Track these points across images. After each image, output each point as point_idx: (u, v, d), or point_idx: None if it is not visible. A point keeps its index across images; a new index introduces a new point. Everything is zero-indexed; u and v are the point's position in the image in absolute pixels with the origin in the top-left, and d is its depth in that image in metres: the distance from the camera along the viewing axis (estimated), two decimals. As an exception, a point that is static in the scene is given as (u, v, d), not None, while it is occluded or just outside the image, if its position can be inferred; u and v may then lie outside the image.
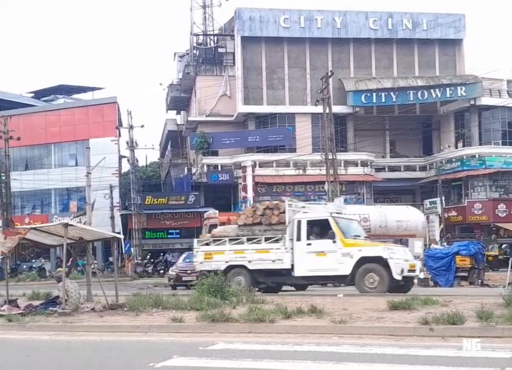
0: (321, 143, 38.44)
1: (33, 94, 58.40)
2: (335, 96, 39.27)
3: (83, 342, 9.06)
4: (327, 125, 32.04)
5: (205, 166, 41.39)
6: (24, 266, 37.09)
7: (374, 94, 41.67)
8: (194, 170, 43.10)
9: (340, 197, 31.11)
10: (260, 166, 40.33)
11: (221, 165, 41.47)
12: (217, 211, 28.60)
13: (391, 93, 41.71)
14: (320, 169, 37.86)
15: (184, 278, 21.23)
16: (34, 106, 50.90)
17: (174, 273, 21.67)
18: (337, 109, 38.57)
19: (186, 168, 44.85)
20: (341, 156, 37.44)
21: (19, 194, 45.13)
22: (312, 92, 40.41)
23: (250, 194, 38.98)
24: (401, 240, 27.19)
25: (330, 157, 31.82)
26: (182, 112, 56.18)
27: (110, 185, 41.48)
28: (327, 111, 32.19)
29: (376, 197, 42.66)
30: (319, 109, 33.54)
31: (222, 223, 24.50)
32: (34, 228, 12.79)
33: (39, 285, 23.69)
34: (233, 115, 43.04)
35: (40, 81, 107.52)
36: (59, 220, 38.52)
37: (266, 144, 41.70)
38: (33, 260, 37.73)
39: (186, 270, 21.22)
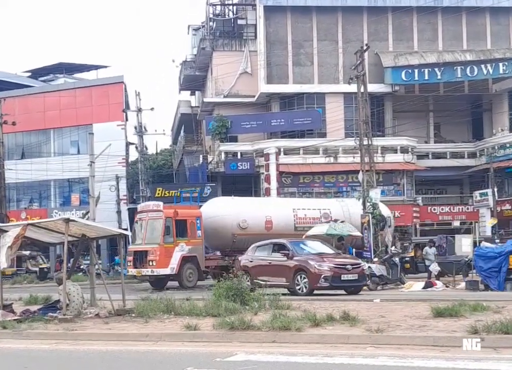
0: (354, 127, 38.17)
1: (29, 74, 58.99)
2: (371, 73, 38.89)
3: (86, 352, 9.15)
4: (362, 106, 31.80)
5: (222, 154, 41.41)
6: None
7: (416, 71, 41.22)
8: (210, 159, 43.16)
9: (376, 188, 30.88)
10: (285, 154, 40.22)
11: (241, 153, 41.46)
12: (160, 203, 26.57)
13: (436, 69, 41.22)
14: (354, 157, 37.59)
15: (344, 277, 17.48)
16: (31, 86, 51.39)
17: (327, 269, 17.22)
18: (373, 87, 38.21)
19: (201, 156, 44.93)
20: (378, 141, 37.16)
21: (15, 186, 45.72)
22: (345, 68, 40.13)
23: (274, 185, 38.93)
24: (447, 237, 26.93)
25: (365, 143, 31.60)
26: (197, 92, 56.25)
27: (116, 175, 41.81)
28: (362, 90, 31.94)
29: (418, 188, 42.34)
30: (353, 88, 33.26)
31: (168, 218, 23.92)
32: (32, 225, 12.92)
33: (38, 288, 24.02)
34: (254, 96, 42.94)
35: (38, 60, 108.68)
36: (59, 215, 38.97)
37: (291, 128, 41.55)
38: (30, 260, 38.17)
39: (345, 265, 17.70)
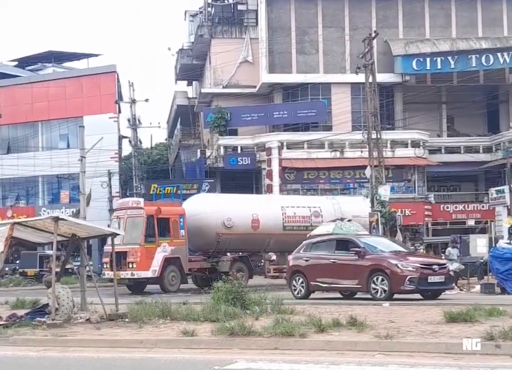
0: (362, 119, 38.09)
1: (16, 63, 58.87)
2: (380, 62, 38.82)
3: (76, 359, 9.16)
4: (370, 97, 31.75)
5: (221, 148, 41.40)
6: (7, 269, 37.57)
7: (428, 59, 41.15)
8: (208, 153, 43.14)
9: (386, 185, 30.89)
10: (288, 148, 40.19)
11: (241, 147, 41.45)
12: (141, 199, 26.54)
13: (449, 58, 41.15)
14: (361, 151, 37.49)
15: (431, 279, 16.08)
16: (17, 76, 51.33)
17: (413, 269, 15.81)
18: (383, 77, 38.19)
19: (199, 150, 44.91)
20: (387, 135, 37.07)
21: (0, 182, 45.75)
22: (352, 57, 40.04)
23: (276, 181, 38.94)
24: (461, 237, 26.92)
25: (373, 136, 31.56)
26: (194, 83, 56.19)
27: (109, 171, 41.82)
28: (370, 80, 31.90)
29: (430, 185, 42.32)
30: (360, 77, 33.19)
31: (149, 216, 23.39)
32: (18, 223, 12.91)
33: (25, 291, 24.02)
34: (255, 86, 42.92)
35: (25, 48, 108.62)
36: (48, 213, 39.00)
37: (295, 120, 41.53)
38: (17, 262, 38.19)
39: (431, 265, 16.30)
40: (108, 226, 24.01)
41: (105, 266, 24.35)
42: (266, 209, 26.52)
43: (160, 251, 23.47)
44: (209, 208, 25.19)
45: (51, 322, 11.74)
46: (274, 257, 30.48)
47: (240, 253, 26.45)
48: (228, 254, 26.13)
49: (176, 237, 24.10)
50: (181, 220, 24.40)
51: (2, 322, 11.92)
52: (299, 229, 26.37)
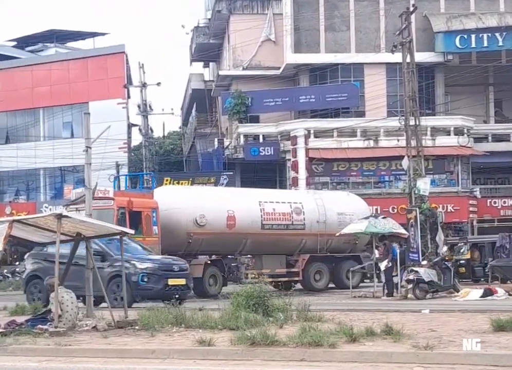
0: (399, 104, 37.94)
1: (15, 43, 59.34)
2: (419, 40, 38.57)
3: (81, 371, 9.23)
4: (408, 79, 31.56)
5: (241, 137, 41.41)
6: (5, 271, 37.98)
7: (473, 36, 40.82)
8: (226, 143, 43.20)
9: (425, 177, 30.66)
10: (316, 136, 40.11)
11: (263, 136, 41.42)
12: (110, 188, 25.36)
13: (497, 35, 40.78)
14: (398, 140, 37.35)
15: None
16: (16, 58, 51.76)
17: None
18: (422, 57, 37.94)
19: (216, 139, 44.97)
20: (427, 121, 36.87)
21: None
22: (388, 34, 39.84)
23: (302, 174, 38.88)
24: (510, 235, 26.66)
25: (411, 123, 31.40)
26: (211, 64, 56.25)
27: (117, 163, 42.05)
28: (408, 60, 31.71)
29: (475, 177, 42.02)
30: (397, 57, 33.02)
31: (121, 208, 22.20)
32: (18, 221, 13.01)
33: (25, 295, 24.16)
34: (279, 68, 42.84)
35: (24, 26, 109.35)
36: (50, 209, 39.28)
37: (323, 105, 41.43)
38: (17, 263, 38.52)
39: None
40: None
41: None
42: (242, 204, 25.56)
43: None
44: (180, 202, 24.02)
45: (54, 330, 11.83)
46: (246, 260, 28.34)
47: (213, 256, 25.25)
48: (198, 256, 24.83)
49: (149, 234, 22.82)
50: (154, 214, 23.27)
51: (0, 330, 12.04)
52: (279, 228, 25.83)
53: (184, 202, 24.08)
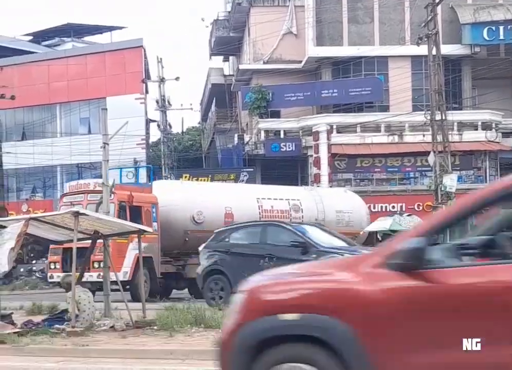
0: (424, 98, 37.75)
1: (31, 37, 59.78)
2: (445, 32, 38.35)
3: (99, 371, 9.28)
4: (434, 73, 31.42)
5: (262, 133, 41.39)
6: (22, 270, 38.28)
7: (501, 28, 40.49)
8: (247, 138, 43.20)
9: (452, 173, 30.62)
10: (338, 132, 40.01)
11: (284, 131, 41.38)
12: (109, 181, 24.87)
13: (527, 26, 40.48)
14: (423, 135, 37.18)
15: None
16: (32, 52, 52.09)
17: None
18: (448, 49, 37.70)
19: (236, 135, 45.01)
20: (454, 116, 36.68)
21: (14, 173, 46.52)
22: (413, 26, 39.63)
23: (325, 170, 38.78)
24: None
25: (437, 117, 31.24)
26: (231, 58, 56.27)
27: (135, 159, 42.18)
28: (434, 52, 31.55)
29: (503, 173, 41.60)
30: (423, 50, 32.88)
31: (121, 202, 21.27)
32: (35, 219, 13.10)
33: (42, 294, 24.36)
34: (301, 61, 42.75)
35: (41, 20, 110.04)
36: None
37: (346, 100, 41.30)
38: (33, 262, 38.85)
39: None
40: None
41: (52, 267, 21.73)
42: (240, 201, 24.89)
43: (132, 248, 20.90)
44: (176, 199, 23.31)
45: (71, 330, 11.89)
46: None
47: None
48: (193, 256, 23.78)
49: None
50: (154, 210, 22.58)
51: (16, 330, 12.10)
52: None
53: (181, 198, 23.41)
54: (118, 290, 16.84)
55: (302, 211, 25.80)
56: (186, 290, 24.68)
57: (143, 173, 42.99)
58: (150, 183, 26.14)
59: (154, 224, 21.98)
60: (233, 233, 18.32)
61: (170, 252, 23.42)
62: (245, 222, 19.68)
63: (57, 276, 20.99)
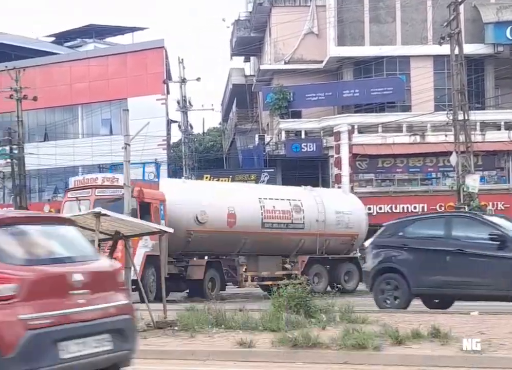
0: (447, 98, 37.59)
1: (53, 38, 60.28)
2: (468, 31, 38.20)
3: (120, 372, 9.31)
4: (457, 72, 31.27)
5: (283, 133, 41.40)
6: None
7: (525, 27, 40.30)
8: (267, 139, 43.24)
9: (474, 174, 30.43)
10: (360, 132, 39.96)
11: (305, 131, 41.39)
12: (119, 175, 22.09)
13: (551, 25, 40.20)
14: (446, 135, 37.07)
15: None
16: (55, 54, 52.47)
17: None
18: (471, 48, 37.50)
19: (257, 136, 45.06)
20: (477, 116, 36.47)
21: (36, 173, 46.85)
22: (435, 25, 39.47)
23: (346, 171, 38.73)
24: None
25: (460, 117, 31.10)
26: (252, 58, 56.32)
27: (156, 160, 42.35)
28: (457, 52, 31.40)
29: (527, 174, 41.45)
30: (445, 49, 32.74)
31: (132, 199, 19.29)
32: (56, 219, 13.18)
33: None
34: (322, 61, 42.73)
35: (63, 22, 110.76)
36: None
37: (368, 100, 41.23)
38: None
39: None
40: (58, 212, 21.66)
41: None
42: (242, 201, 24.36)
43: (142, 246, 20.65)
44: (179, 197, 22.62)
45: (92, 330, 11.96)
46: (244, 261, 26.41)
47: (207, 257, 24.21)
48: (195, 257, 23.84)
49: None
50: (162, 207, 21.96)
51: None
52: (279, 227, 24.87)
53: (184, 197, 22.79)
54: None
55: (303, 212, 25.46)
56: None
57: (163, 173, 43.36)
58: (157, 180, 25.66)
59: (163, 222, 21.23)
60: (408, 226, 15.97)
61: (173, 252, 22.23)
62: (425, 213, 18.85)
63: None
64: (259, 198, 24.74)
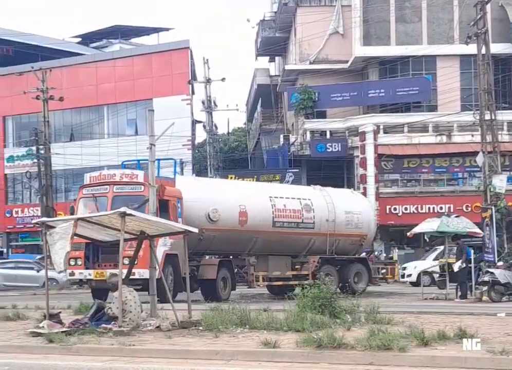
0: (473, 98, 37.37)
1: (79, 39, 60.65)
2: (495, 30, 37.95)
3: (144, 371, 9.35)
4: (483, 72, 31.05)
5: (308, 133, 41.36)
6: (70, 270, 38.81)
7: (553, 26, 39.93)
8: (292, 139, 43.20)
9: (501, 174, 30.19)
10: (385, 132, 39.83)
11: (330, 131, 41.31)
12: (140, 171, 22.00)
13: None
14: (472, 135, 36.87)
15: None
16: (81, 54, 52.80)
17: None
18: (498, 48, 37.25)
19: (282, 136, 45.03)
20: (503, 115, 36.25)
21: (63, 173, 47.17)
22: (462, 25, 39.25)
23: (371, 171, 38.61)
24: None
25: (487, 117, 30.87)
26: (277, 58, 56.30)
27: (181, 160, 42.44)
28: (483, 51, 31.18)
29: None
30: (471, 48, 32.53)
31: (157, 196, 18.57)
32: (82, 219, 13.24)
33: (89, 294, 24.64)
34: (347, 61, 42.63)
35: (89, 22, 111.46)
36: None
37: (394, 100, 41.08)
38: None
39: None
40: (72, 210, 21.25)
41: (72, 263, 19.45)
42: (254, 199, 23.55)
43: (161, 244, 19.90)
44: (191, 195, 21.84)
45: (118, 329, 11.98)
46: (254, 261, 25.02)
47: (217, 256, 23.55)
48: (206, 256, 23.28)
49: None
50: (179, 205, 21.21)
51: (64, 329, 12.23)
52: (290, 226, 24.08)
53: (196, 194, 22.02)
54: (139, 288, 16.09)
55: (313, 212, 24.69)
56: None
57: (188, 173, 43.43)
58: (173, 177, 24.20)
59: (180, 220, 20.69)
60: None
61: None
62: None
63: (80, 273, 20.16)
64: (270, 197, 24.07)
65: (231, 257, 23.59)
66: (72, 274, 20.36)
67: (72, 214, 21.15)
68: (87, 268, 20.04)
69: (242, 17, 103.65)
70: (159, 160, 27.51)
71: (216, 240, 22.26)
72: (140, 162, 27.20)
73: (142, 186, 19.94)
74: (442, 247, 27.15)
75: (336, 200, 25.72)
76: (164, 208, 20.13)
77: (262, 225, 23.30)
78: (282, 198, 24.36)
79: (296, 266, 24.63)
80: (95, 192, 20.88)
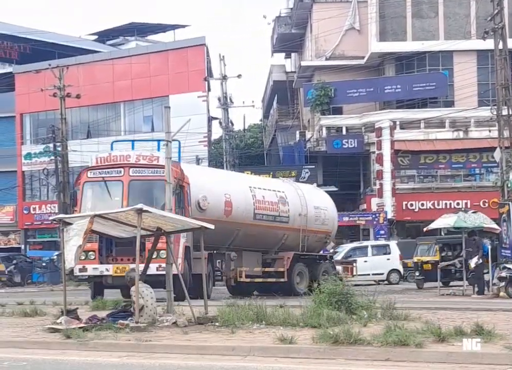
0: (491, 93, 37.13)
1: (96, 37, 60.76)
2: (512, 25, 37.69)
3: (161, 367, 9.37)
4: (501, 67, 30.83)
5: (324, 129, 41.30)
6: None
7: None
8: (308, 135, 43.16)
9: (519, 170, 29.91)
10: (402, 128, 39.71)
11: (346, 128, 41.23)
12: (159, 154, 19.53)
13: None
14: (489, 131, 36.64)
15: None
16: (97, 52, 52.94)
17: None
18: (515, 43, 37.05)
19: (298, 132, 45.02)
20: (521, 111, 36.03)
21: (80, 170, 47.25)
22: (479, 20, 39.04)
23: (388, 167, 38.50)
24: None
25: (504, 113, 30.67)
26: (293, 55, 56.25)
27: (197, 156, 42.53)
28: (501, 46, 30.96)
29: None
30: (489, 44, 32.31)
31: (175, 180, 17.49)
32: (99, 216, 13.27)
33: (106, 290, 24.73)
34: (363, 57, 42.53)
35: (105, 20, 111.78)
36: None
37: (410, 96, 40.94)
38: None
39: None
40: (73, 195, 19.89)
41: (83, 257, 17.05)
42: (236, 189, 22.16)
43: (182, 236, 18.27)
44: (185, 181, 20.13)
45: (135, 325, 12.03)
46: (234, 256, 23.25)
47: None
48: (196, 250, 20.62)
49: (186, 215, 18.12)
50: (188, 191, 19.67)
51: (81, 325, 12.30)
52: (268, 219, 22.73)
53: (189, 180, 20.20)
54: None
55: (288, 205, 23.49)
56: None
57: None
58: (178, 161, 21.44)
59: (190, 208, 19.43)
60: None
61: None
62: None
63: (94, 268, 18.30)
64: (249, 187, 22.78)
65: (214, 251, 21.46)
66: (83, 269, 18.17)
67: (74, 200, 19.69)
68: (101, 263, 18.23)
69: (259, 13, 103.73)
70: (159, 140, 24.95)
71: (207, 232, 20.59)
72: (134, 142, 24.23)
73: (162, 170, 17.00)
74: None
75: (306, 194, 24.70)
76: (180, 194, 18.99)
77: (245, 217, 22.01)
78: (261, 188, 23.16)
79: (267, 263, 23.11)
80: (105, 176, 18.82)
